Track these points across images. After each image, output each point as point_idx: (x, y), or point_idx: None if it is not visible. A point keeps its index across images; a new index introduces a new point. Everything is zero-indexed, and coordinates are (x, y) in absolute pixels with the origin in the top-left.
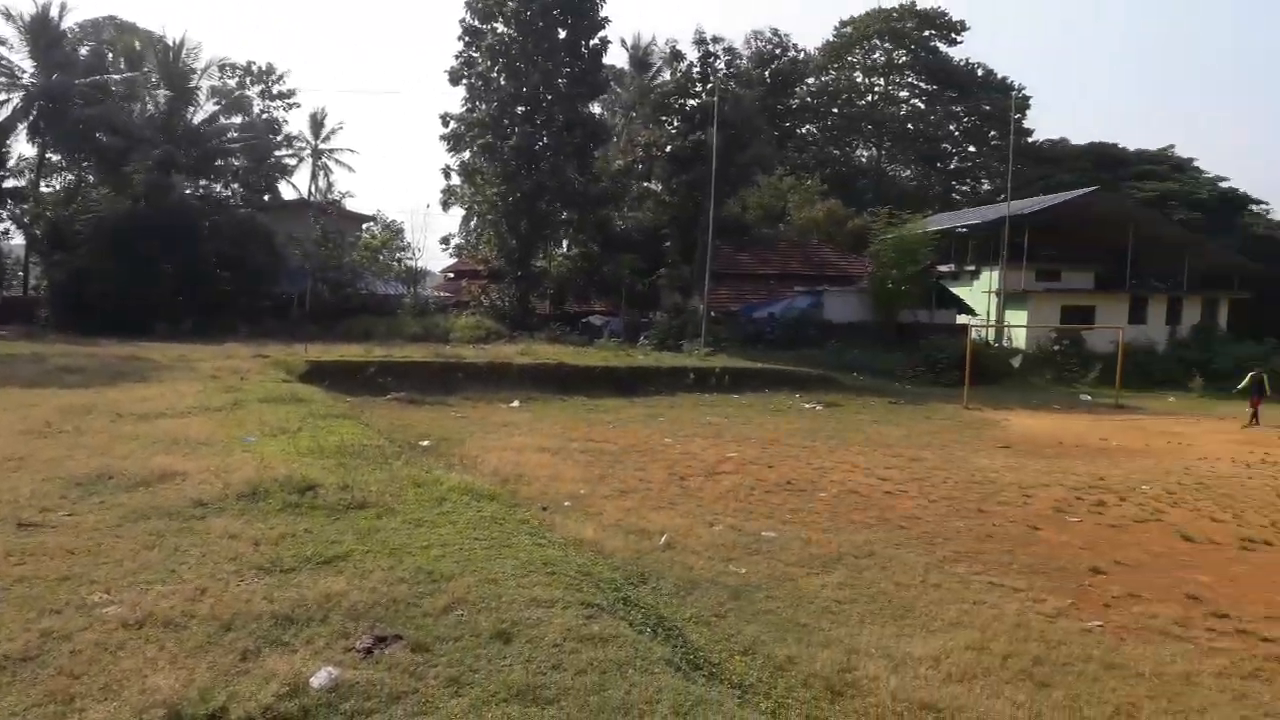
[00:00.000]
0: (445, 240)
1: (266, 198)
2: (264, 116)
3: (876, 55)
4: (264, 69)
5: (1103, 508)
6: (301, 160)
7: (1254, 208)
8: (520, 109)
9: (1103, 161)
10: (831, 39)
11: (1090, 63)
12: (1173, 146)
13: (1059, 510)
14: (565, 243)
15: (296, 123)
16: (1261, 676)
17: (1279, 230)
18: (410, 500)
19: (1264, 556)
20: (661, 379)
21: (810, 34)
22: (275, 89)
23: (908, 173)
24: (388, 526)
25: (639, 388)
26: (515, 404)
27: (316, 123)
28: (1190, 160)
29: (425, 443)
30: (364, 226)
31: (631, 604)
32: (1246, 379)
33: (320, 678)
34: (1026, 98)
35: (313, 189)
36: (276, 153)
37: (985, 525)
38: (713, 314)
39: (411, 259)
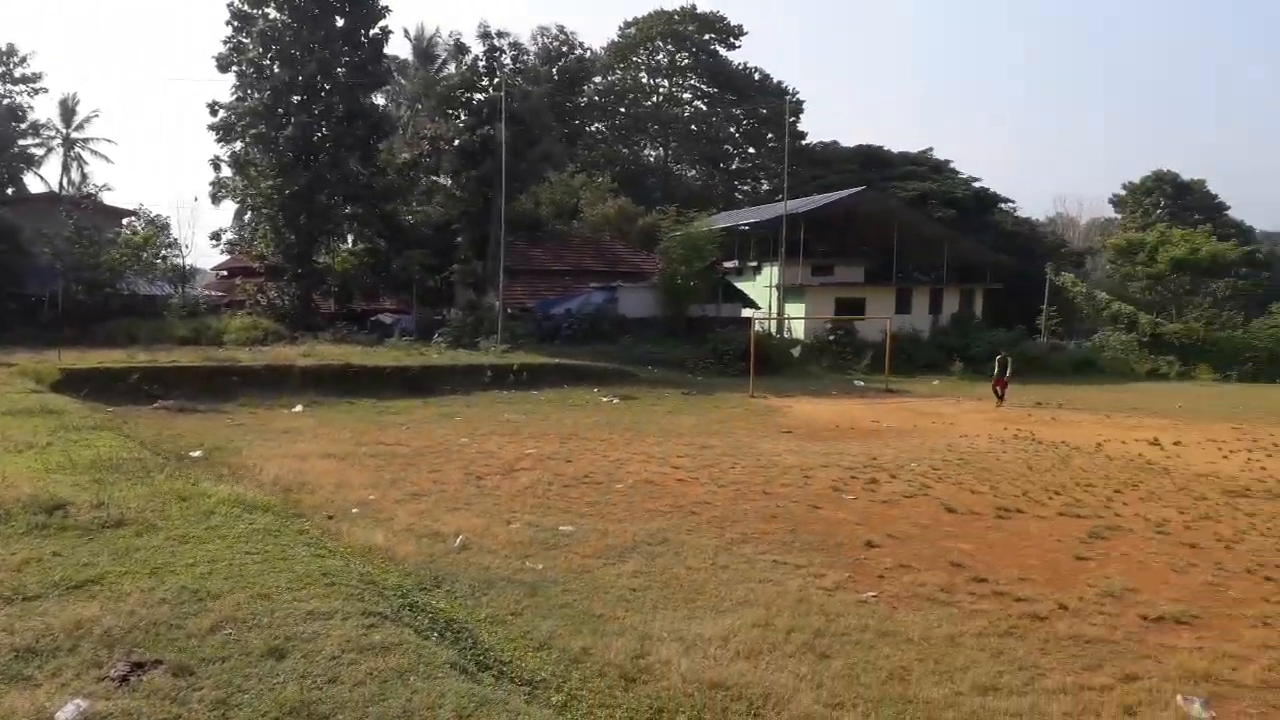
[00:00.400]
0: (216, 236)
1: (10, 190)
2: (4, 102)
3: (660, 57)
4: (3, 50)
5: (876, 485)
6: (51, 150)
7: (1003, 206)
8: (296, 98)
9: (870, 163)
10: (616, 39)
11: (857, 70)
12: (931, 149)
13: (836, 489)
14: (350, 238)
15: (44, 109)
16: (1016, 634)
17: (1025, 227)
18: (174, 516)
19: (1017, 524)
20: (457, 377)
21: (595, 33)
22: (18, 72)
23: (693, 173)
24: (148, 545)
25: (434, 387)
26: (298, 409)
27: (68, 109)
28: (947, 162)
29: (196, 453)
30: (124, 222)
31: (418, 609)
32: (995, 363)
33: (67, 711)
34: (800, 102)
35: (64, 182)
36: (20, 142)
37: (770, 507)
38: (509, 310)
39: (179, 256)
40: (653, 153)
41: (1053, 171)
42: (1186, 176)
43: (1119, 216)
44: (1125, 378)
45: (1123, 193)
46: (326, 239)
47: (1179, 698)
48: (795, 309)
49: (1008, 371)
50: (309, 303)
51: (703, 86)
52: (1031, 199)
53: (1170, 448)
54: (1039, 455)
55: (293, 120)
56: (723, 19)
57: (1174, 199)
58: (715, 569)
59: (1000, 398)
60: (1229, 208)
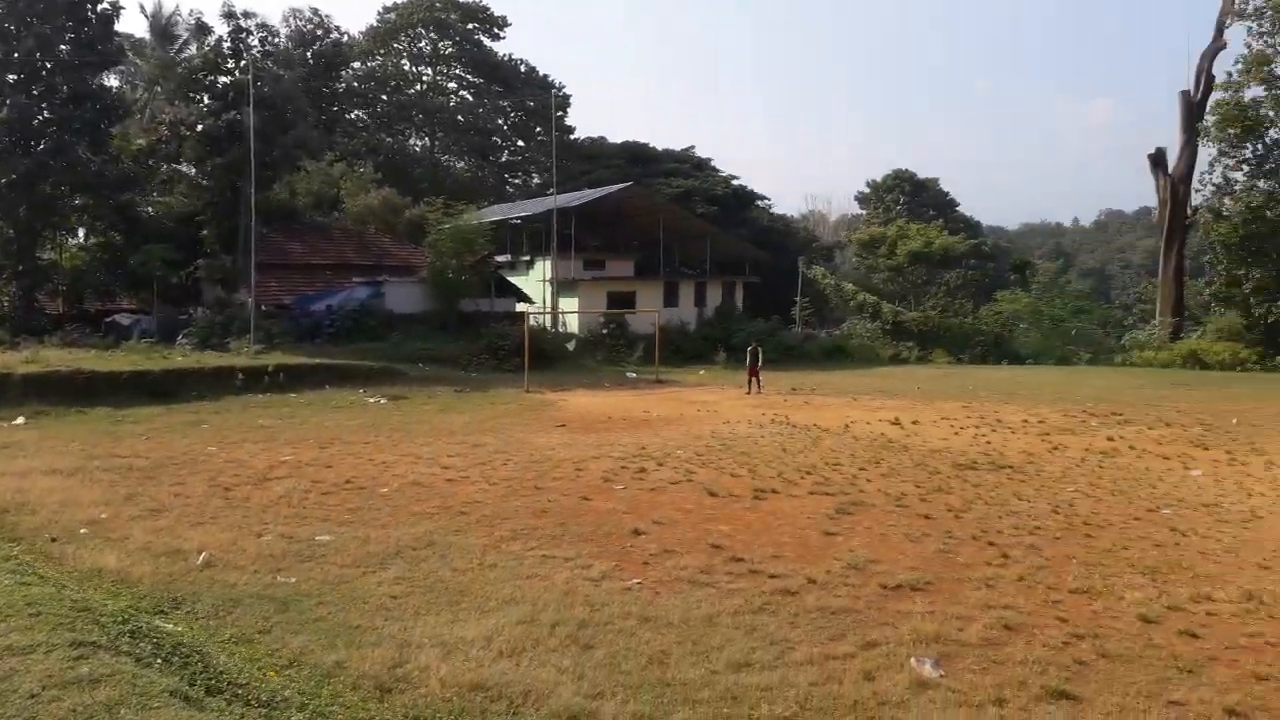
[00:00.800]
0: None
1: None
2: None
3: (423, 44)
4: None
5: (644, 474)
6: None
7: (760, 203)
8: (12, 77)
9: (636, 159)
10: (376, 24)
11: (625, 68)
12: (694, 147)
13: (607, 480)
14: (81, 232)
15: None
16: (769, 609)
17: (780, 223)
18: None
19: (772, 504)
20: (205, 382)
21: (353, 17)
22: None
23: (462, 164)
24: None
25: (178, 393)
26: (19, 421)
27: None
28: (708, 160)
29: None
30: None
31: (140, 635)
32: (748, 353)
33: None
34: (567, 96)
35: None
36: None
37: (541, 501)
38: (263, 308)
39: None
40: (418, 143)
41: (806, 169)
42: (923, 175)
43: (864, 212)
44: (871, 363)
45: (867, 190)
46: (52, 233)
47: (912, 660)
48: (569, 303)
49: (759, 360)
50: (32, 304)
51: (468, 76)
52: (786, 196)
53: (909, 426)
54: (793, 438)
55: (8, 102)
56: (486, 9)
57: (912, 196)
58: (483, 569)
59: (756, 384)
60: (959, 204)
